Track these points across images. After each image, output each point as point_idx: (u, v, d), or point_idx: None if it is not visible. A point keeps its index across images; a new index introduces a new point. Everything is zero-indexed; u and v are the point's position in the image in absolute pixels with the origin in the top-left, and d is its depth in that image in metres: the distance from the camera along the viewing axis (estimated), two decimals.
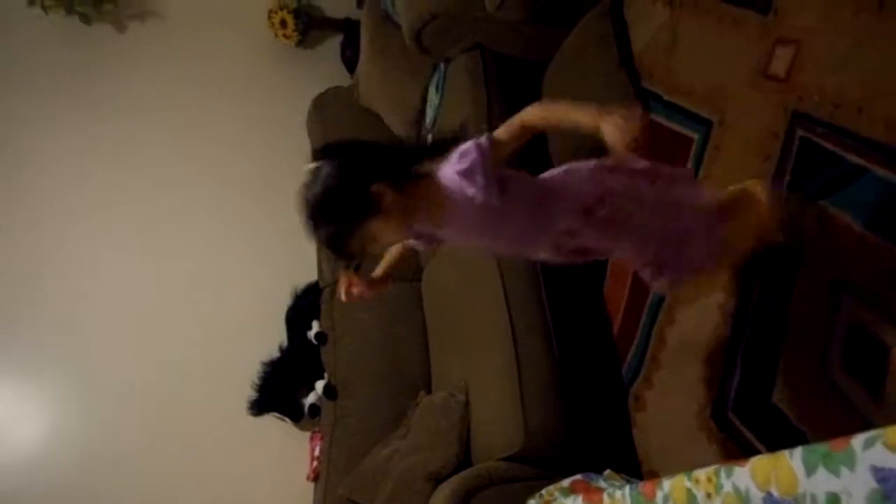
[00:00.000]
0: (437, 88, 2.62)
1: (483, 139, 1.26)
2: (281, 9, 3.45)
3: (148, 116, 3.34)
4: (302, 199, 1.25)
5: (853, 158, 1.42)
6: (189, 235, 3.16)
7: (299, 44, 3.56)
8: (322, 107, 3.18)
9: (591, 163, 1.40)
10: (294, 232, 3.08)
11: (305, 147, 3.25)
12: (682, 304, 1.92)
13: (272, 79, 3.53)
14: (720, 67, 1.83)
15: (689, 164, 1.91)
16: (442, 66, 2.62)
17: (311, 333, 2.81)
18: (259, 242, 3.15)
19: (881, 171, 1.36)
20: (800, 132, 1.56)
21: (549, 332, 2.05)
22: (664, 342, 1.99)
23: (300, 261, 3.08)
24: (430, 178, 1.29)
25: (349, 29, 3.54)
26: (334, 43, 3.64)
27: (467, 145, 1.26)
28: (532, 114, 1.29)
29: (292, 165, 3.22)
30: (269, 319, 2.96)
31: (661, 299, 2.01)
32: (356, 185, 1.22)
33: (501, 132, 1.29)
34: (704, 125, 1.87)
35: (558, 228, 1.38)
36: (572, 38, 2.36)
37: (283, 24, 3.46)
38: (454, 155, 1.27)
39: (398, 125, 2.90)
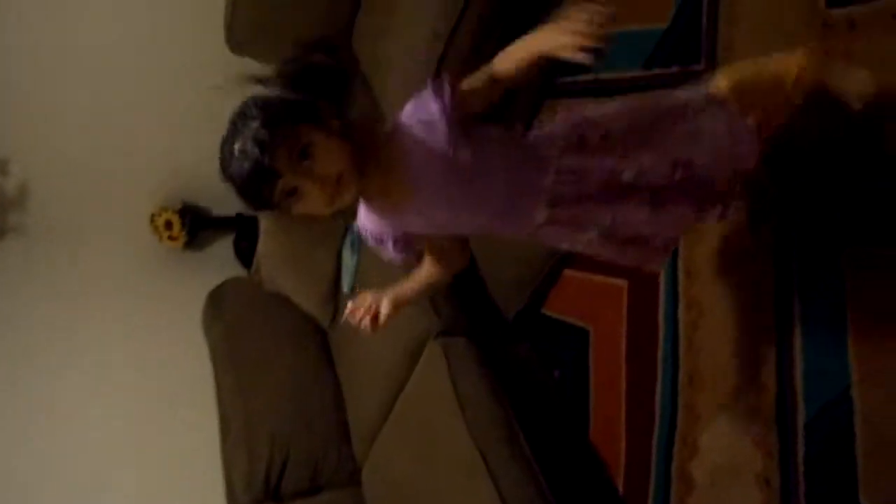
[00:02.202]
0: (352, 249, 2.33)
1: (444, 83, 1.05)
2: (164, 210, 3.16)
3: (14, 350, 2.80)
4: (236, 111, 1.03)
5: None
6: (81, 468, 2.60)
7: (188, 245, 3.21)
8: (220, 301, 2.79)
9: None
10: (195, 451, 2.63)
11: (203, 351, 2.81)
12: (701, 423, 1.55)
13: (161, 286, 3.12)
14: None
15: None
16: (355, 224, 2.35)
17: None
18: (160, 467, 2.55)
19: None
20: None
21: None
22: (690, 482, 1.58)
23: (206, 485, 2.49)
24: (386, 131, 1.09)
25: (242, 223, 3.27)
26: (226, 241, 3.33)
27: (424, 91, 1.06)
28: (503, 62, 1.06)
29: (191, 376, 2.85)
30: None
31: (669, 430, 1.64)
32: (306, 97, 1.04)
33: (468, 82, 1.07)
34: None
35: (553, 170, 1.11)
36: None
37: (169, 225, 3.14)
38: (408, 105, 1.08)
39: (311, 302, 2.55)
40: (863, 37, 1.25)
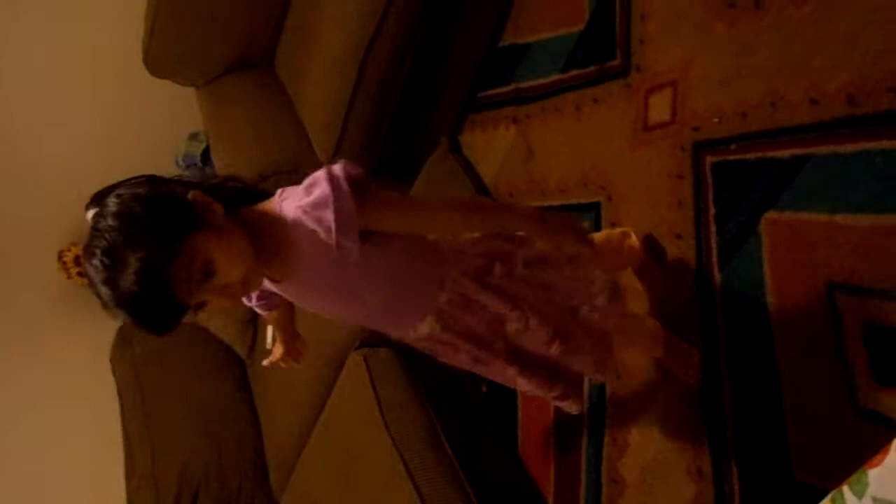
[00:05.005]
0: None
1: (338, 168, 0.91)
2: (74, 245, 2.98)
3: None
4: (90, 244, 0.88)
5: (786, 153, 1.23)
6: None
7: None
8: (129, 335, 2.61)
9: None
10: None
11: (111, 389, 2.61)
12: (632, 420, 1.50)
13: (71, 323, 2.91)
14: (589, 149, 1.67)
15: None
16: None
17: None
18: None
19: (822, 149, 1.18)
20: (710, 159, 1.37)
21: None
22: (621, 482, 1.51)
23: None
24: (268, 213, 0.96)
25: None
26: None
27: (317, 174, 0.92)
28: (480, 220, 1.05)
29: (100, 418, 2.63)
30: None
31: (600, 434, 1.58)
32: (170, 194, 0.92)
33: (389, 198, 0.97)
34: (592, 210, 1.65)
35: (443, 295, 1.05)
36: (419, 183, 2.16)
37: (77, 261, 2.96)
38: (300, 187, 0.94)
39: (228, 331, 2.41)
40: (769, 14, 1.30)
